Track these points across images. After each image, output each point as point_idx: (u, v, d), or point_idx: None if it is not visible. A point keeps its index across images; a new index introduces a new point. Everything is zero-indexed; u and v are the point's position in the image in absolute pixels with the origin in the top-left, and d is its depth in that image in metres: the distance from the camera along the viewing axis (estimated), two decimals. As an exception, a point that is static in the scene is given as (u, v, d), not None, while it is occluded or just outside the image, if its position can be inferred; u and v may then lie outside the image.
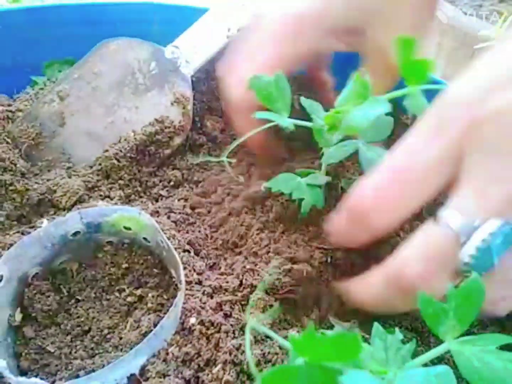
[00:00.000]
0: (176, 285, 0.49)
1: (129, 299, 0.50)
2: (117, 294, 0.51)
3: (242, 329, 0.41)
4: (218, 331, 0.40)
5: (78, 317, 0.49)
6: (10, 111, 0.63)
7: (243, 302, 0.43)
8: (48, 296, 0.49)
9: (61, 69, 0.74)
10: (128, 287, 0.51)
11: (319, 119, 0.47)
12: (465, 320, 0.29)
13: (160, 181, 0.61)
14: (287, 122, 0.45)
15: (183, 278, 0.44)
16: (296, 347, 0.25)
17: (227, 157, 0.51)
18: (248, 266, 0.46)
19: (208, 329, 0.40)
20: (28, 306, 0.48)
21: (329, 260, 0.48)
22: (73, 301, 0.50)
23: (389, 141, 0.63)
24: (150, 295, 0.50)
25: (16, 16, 0.67)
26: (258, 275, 0.45)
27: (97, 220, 0.51)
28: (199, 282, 0.47)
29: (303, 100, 0.47)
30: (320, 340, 0.24)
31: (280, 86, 0.46)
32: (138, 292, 0.50)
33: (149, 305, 0.48)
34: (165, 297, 0.50)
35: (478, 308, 0.29)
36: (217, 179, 0.60)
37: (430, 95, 0.42)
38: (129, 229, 0.53)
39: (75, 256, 0.52)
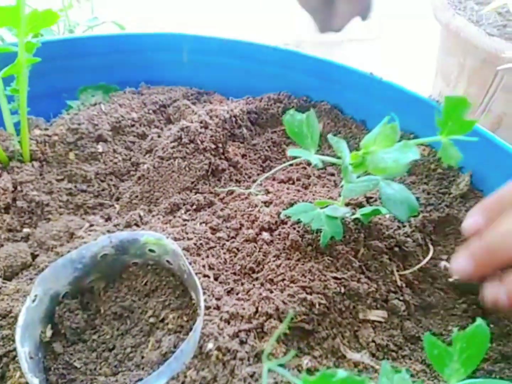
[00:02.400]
0: (196, 308, 0.51)
1: (151, 319, 0.53)
2: (140, 313, 0.54)
3: (257, 356, 0.43)
4: (234, 358, 0.42)
5: (103, 334, 0.52)
6: (47, 135, 0.68)
7: (258, 330, 0.45)
8: (77, 314, 0.52)
9: (94, 94, 0.79)
10: (151, 308, 0.54)
11: (345, 158, 0.49)
12: (469, 364, 0.30)
13: (184, 204, 0.64)
14: (315, 159, 0.47)
15: (202, 304, 0.46)
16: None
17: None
18: (264, 294, 0.49)
19: (224, 355, 0.43)
20: (58, 323, 0.51)
21: (342, 290, 0.50)
22: (99, 319, 0.54)
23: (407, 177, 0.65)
24: (171, 316, 0.53)
25: (55, 46, 0.72)
26: (273, 303, 0.47)
27: (125, 243, 0.54)
28: (217, 308, 0.49)
29: (330, 137, 0.48)
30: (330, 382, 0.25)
31: (310, 124, 0.48)
32: (160, 313, 0.53)
33: (170, 326, 0.51)
34: (185, 319, 0.52)
35: (482, 353, 0.30)
36: (239, 205, 0.62)
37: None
38: (154, 251, 0.56)
39: (102, 275, 0.56)
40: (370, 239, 0.54)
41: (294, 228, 0.56)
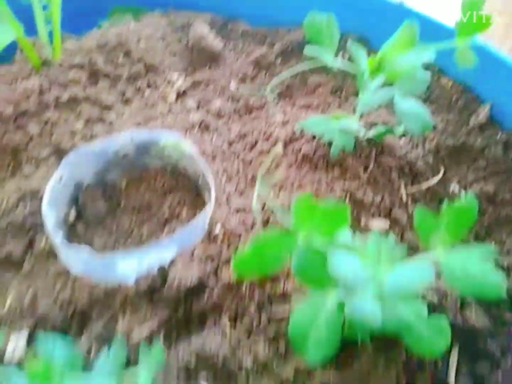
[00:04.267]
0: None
1: (166, 214, 0.56)
2: (157, 209, 0.57)
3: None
4: (238, 240, 0.45)
5: (122, 223, 0.56)
6: (78, 46, 0.70)
7: (263, 222, 0.48)
8: (99, 202, 0.56)
9: (124, 14, 0.81)
10: (167, 204, 0.57)
11: (362, 63, 0.49)
12: (456, 236, 0.32)
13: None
14: (332, 61, 0.47)
15: (213, 193, 0.49)
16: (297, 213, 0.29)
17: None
18: (271, 195, 0.51)
19: (229, 237, 0.46)
20: (82, 208, 0.56)
21: (347, 198, 0.52)
22: (119, 210, 0.58)
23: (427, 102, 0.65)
24: (184, 212, 0.56)
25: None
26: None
27: (146, 143, 0.57)
28: (227, 203, 0.52)
29: (349, 43, 0.48)
30: (314, 209, 0.28)
31: (330, 26, 0.48)
32: (175, 209, 0.57)
33: (183, 217, 0.54)
34: (198, 213, 0.56)
35: (469, 225, 0.32)
36: (256, 124, 0.64)
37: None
38: (172, 156, 0.59)
39: (124, 174, 0.60)
40: (381, 156, 0.56)
41: (308, 143, 0.58)
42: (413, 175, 0.56)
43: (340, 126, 0.53)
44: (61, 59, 0.68)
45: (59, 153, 0.59)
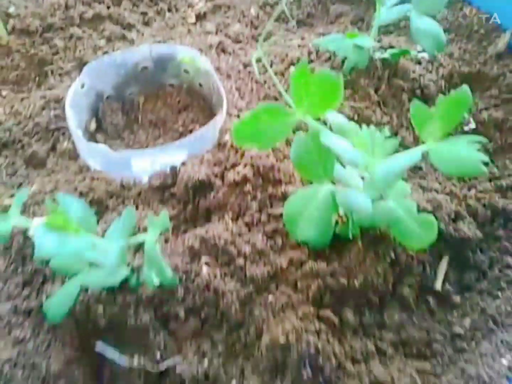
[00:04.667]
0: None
1: (181, 129, 0.59)
2: (172, 123, 0.60)
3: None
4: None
5: (139, 137, 0.59)
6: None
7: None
8: (118, 114, 0.59)
9: None
10: (181, 120, 0.60)
11: None
12: (448, 124, 0.33)
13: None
14: None
15: (224, 104, 0.51)
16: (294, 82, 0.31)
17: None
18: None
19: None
20: (102, 119, 0.59)
21: (356, 117, 0.53)
22: (136, 125, 0.61)
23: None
24: (198, 127, 0.59)
25: None
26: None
27: (164, 57, 0.59)
28: (238, 116, 0.54)
29: None
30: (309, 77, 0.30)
31: None
32: (189, 125, 0.59)
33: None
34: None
35: (461, 115, 0.33)
36: (275, 48, 0.65)
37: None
38: (188, 72, 0.61)
39: (142, 90, 0.62)
40: (394, 78, 0.56)
41: (322, 64, 0.59)
42: (424, 99, 0.56)
43: (355, 42, 0.54)
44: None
45: (83, 67, 0.62)
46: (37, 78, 0.62)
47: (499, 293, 0.43)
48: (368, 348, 0.38)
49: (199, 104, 0.62)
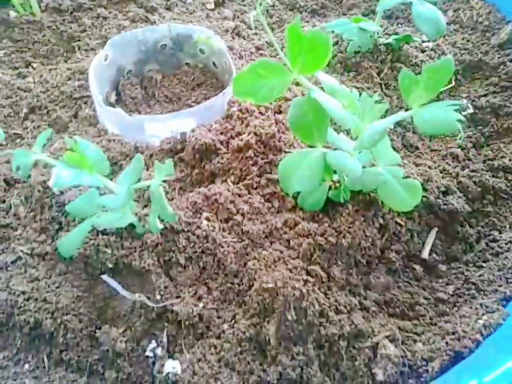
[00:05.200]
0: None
1: (193, 104, 0.63)
2: (186, 100, 0.64)
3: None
4: (251, 115, 0.51)
5: (155, 111, 0.64)
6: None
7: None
8: (137, 88, 0.64)
9: None
10: (194, 96, 0.64)
11: None
12: (432, 91, 0.36)
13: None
14: None
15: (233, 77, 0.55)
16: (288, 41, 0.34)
17: None
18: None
19: (243, 114, 0.52)
20: (121, 92, 0.63)
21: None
22: (153, 100, 0.65)
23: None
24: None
25: None
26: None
27: (181, 37, 0.63)
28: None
29: None
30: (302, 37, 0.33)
31: None
32: (201, 102, 0.63)
33: None
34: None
35: (445, 82, 0.36)
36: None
37: None
38: (203, 52, 0.65)
39: (160, 67, 0.66)
40: (396, 62, 0.59)
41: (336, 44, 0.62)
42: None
43: (359, 26, 0.57)
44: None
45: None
46: (65, 53, 0.67)
47: (484, 264, 0.46)
48: (352, 303, 0.41)
49: (212, 82, 0.66)
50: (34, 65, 0.65)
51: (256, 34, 0.71)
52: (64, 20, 0.68)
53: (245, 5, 0.76)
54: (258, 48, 0.68)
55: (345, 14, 0.76)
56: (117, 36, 0.60)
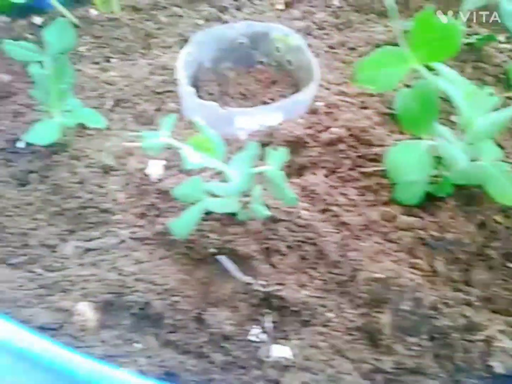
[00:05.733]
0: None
1: (269, 101, 0.64)
2: (260, 97, 0.65)
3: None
4: (338, 110, 0.52)
5: (230, 107, 0.65)
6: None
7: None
8: (214, 85, 0.65)
9: None
10: (268, 93, 0.65)
11: None
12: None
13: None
14: None
15: (317, 72, 0.55)
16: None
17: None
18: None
19: (330, 108, 0.52)
20: (200, 88, 0.65)
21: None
22: (227, 97, 0.66)
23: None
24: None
25: None
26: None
27: (258, 35, 0.65)
28: (328, 88, 0.58)
29: None
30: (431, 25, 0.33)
31: None
32: (276, 99, 0.64)
33: None
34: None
35: None
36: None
37: None
38: (279, 51, 0.66)
39: (234, 65, 0.68)
40: (479, 62, 0.58)
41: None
42: (508, 85, 0.58)
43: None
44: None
45: (183, 42, 0.69)
46: (142, 49, 0.69)
47: None
48: (459, 297, 0.40)
49: (286, 80, 0.66)
50: (113, 61, 0.67)
51: (327, 34, 0.72)
52: (141, 18, 0.70)
53: (313, 7, 0.77)
54: (331, 47, 0.68)
55: (412, 16, 0.76)
56: (200, 32, 0.61)
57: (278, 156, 0.37)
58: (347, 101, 0.54)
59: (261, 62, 0.68)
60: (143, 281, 0.42)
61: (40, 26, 0.69)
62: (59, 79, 0.44)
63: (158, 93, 0.61)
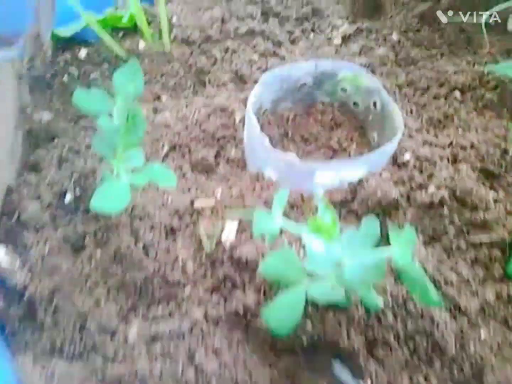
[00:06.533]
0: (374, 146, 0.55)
1: (334, 146, 0.58)
2: (324, 140, 0.59)
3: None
4: (428, 162, 0.46)
5: (290, 150, 0.59)
6: None
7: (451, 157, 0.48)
8: (273, 128, 0.59)
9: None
10: (335, 137, 0.59)
11: None
12: None
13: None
14: None
15: (401, 119, 0.49)
16: None
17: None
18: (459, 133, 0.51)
19: (419, 160, 0.46)
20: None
21: None
22: (287, 140, 0.60)
23: None
24: (353, 146, 0.57)
25: None
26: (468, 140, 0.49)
27: (325, 74, 0.59)
28: (411, 136, 0.52)
29: None
30: None
31: None
32: (343, 142, 0.58)
33: (351, 152, 0.55)
34: (366, 150, 0.57)
35: None
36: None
37: None
38: (345, 90, 0.60)
39: (293, 106, 0.62)
40: None
41: (491, 91, 0.57)
42: None
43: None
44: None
45: (238, 79, 0.63)
46: (194, 86, 0.63)
47: None
48: None
49: (351, 123, 0.61)
50: (163, 98, 0.62)
51: (392, 71, 0.66)
52: (192, 52, 0.65)
53: (371, 40, 0.72)
54: (399, 87, 0.63)
55: (476, 53, 0.71)
56: (268, 73, 0.56)
57: (405, 239, 0.31)
58: (437, 154, 0.48)
59: (322, 103, 0.62)
60: (225, 378, 0.35)
61: (83, 60, 0.64)
62: (130, 132, 0.38)
63: (218, 138, 0.55)
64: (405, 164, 0.48)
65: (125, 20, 0.64)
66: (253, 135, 0.49)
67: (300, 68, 0.58)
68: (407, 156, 0.48)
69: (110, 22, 0.64)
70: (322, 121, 0.61)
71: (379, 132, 0.56)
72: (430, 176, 0.45)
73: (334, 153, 0.57)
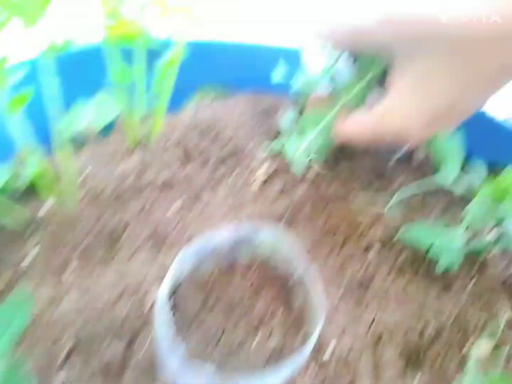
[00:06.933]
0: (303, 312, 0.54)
1: (259, 316, 0.56)
2: (248, 309, 0.56)
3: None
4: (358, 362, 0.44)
5: (211, 324, 0.55)
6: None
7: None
8: (194, 297, 0.55)
9: (208, 95, 0.84)
10: (259, 306, 0.56)
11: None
12: None
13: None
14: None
15: (323, 311, 0.48)
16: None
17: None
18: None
19: (344, 360, 0.45)
20: (179, 302, 0.55)
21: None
22: (208, 308, 0.57)
23: None
24: (279, 312, 0.55)
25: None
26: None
27: (241, 239, 0.57)
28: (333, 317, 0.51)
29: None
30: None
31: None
32: (269, 309, 0.56)
33: (278, 319, 0.54)
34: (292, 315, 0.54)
35: None
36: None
37: None
38: (263, 254, 0.59)
39: (213, 269, 0.59)
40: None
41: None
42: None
43: (445, 241, 0.53)
44: (156, 138, 0.69)
45: (153, 242, 0.60)
46: (107, 251, 0.58)
47: None
48: None
49: (274, 284, 0.59)
50: (69, 270, 0.56)
51: (310, 220, 0.66)
52: (103, 212, 0.60)
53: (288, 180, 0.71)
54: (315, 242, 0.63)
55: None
56: (181, 252, 0.52)
57: None
58: (360, 342, 0.47)
59: (244, 266, 0.60)
60: None
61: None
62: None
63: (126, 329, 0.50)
64: (327, 363, 0.46)
65: (24, 179, 0.58)
66: (165, 342, 0.45)
67: (215, 239, 0.56)
68: (328, 353, 0.46)
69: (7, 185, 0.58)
70: (244, 284, 0.59)
71: (302, 296, 0.55)
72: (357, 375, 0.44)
73: (260, 323, 0.55)
